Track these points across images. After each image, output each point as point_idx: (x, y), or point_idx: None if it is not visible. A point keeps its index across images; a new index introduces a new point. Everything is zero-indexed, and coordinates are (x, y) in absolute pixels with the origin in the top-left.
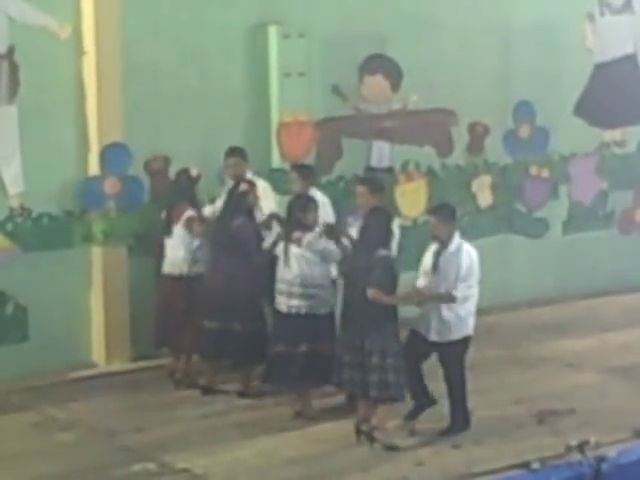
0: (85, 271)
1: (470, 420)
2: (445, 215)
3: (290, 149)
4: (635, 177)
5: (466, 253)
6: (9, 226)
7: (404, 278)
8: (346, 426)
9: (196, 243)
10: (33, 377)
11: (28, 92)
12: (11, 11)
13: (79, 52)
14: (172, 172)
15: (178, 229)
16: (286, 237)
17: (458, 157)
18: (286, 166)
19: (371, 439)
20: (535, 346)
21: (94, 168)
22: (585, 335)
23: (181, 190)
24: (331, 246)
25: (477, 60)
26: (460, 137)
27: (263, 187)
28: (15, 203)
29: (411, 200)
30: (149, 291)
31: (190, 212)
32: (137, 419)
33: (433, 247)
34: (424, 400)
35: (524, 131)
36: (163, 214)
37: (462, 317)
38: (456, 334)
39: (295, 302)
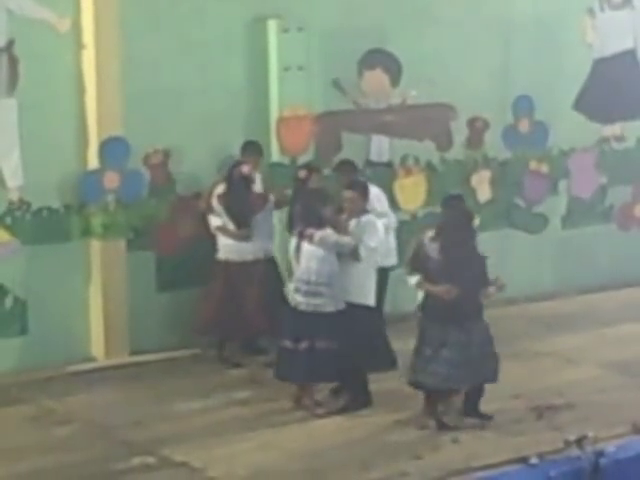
0: (84, 265)
1: None
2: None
3: (289, 143)
4: (634, 172)
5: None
6: (8, 219)
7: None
8: (346, 421)
9: None
10: (32, 370)
11: (27, 85)
12: (11, 4)
13: (78, 45)
14: (171, 166)
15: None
16: (299, 234)
17: (457, 152)
18: (285, 160)
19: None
20: (534, 341)
21: (93, 162)
22: (584, 330)
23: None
24: (343, 239)
25: (477, 55)
26: (459, 132)
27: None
28: (14, 196)
29: (410, 194)
30: (148, 285)
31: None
32: (136, 413)
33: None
34: None
35: (523, 126)
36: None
37: None
38: None
39: (300, 299)
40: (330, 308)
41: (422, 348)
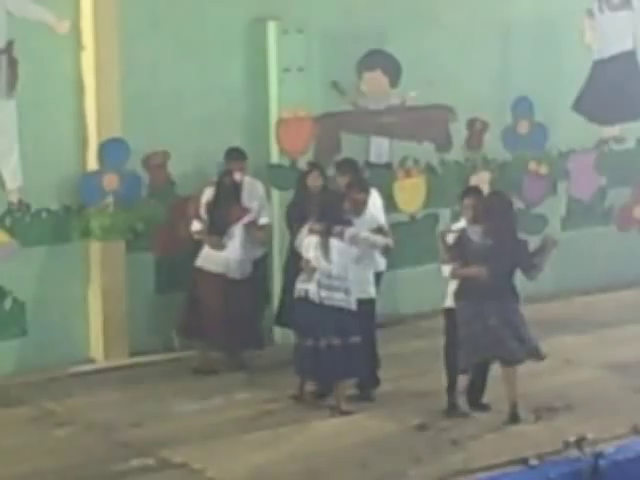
0: (83, 266)
1: None
2: (479, 195)
3: (289, 144)
4: (634, 173)
5: None
6: (7, 221)
7: (404, 274)
8: (345, 422)
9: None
10: (31, 372)
11: (27, 87)
12: (10, 6)
13: (78, 47)
14: (170, 167)
15: (238, 231)
16: (326, 231)
17: (457, 153)
18: (285, 161)
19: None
20: None
21: (93, 163)
22: (583, 331)
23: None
24: (375, 236)
25: (476, 56)
26: (459, 133)
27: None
28: (13, 198)
29: (409, 196)
30: (147, 286)
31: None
32: (135, 414)
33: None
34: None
35: (523, 127)
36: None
37: None
38: None
39: (327, 294)
40: (353, 305)
41: (468, 328)
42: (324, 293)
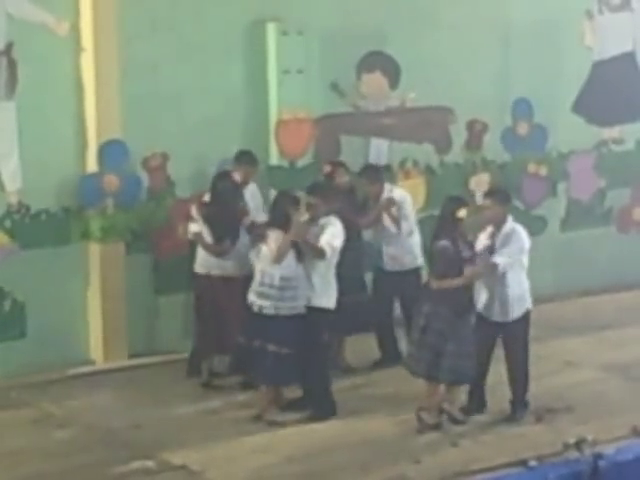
0: (83, 268)
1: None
2: (501, 198)
3: (288, 146)
4: (633, 175)
5: (518, 234)
6: (7, 222)
7: None
8: (344, 424)
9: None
10: (31, 374)
11: (26, 89)
12: (9, 7)
13: (77, 49)
14: (170, 169)
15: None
16: (257, 235)
17: (456, 154)
18: (284, 163)
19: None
20: (533, 344)
21: (92, 165)
22: (583, 333)
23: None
24: (278, 255)
25: (476, 57)
26: (458, 134)
27: None
28: (13, 200)
29: None
30: (146, 288)
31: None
32: (135, 416)
33: (487, 230)
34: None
35: (522, 129)
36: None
37: (519, 295)
38: (517, 312)
39: (260, 302)
40: (288, 311)
41: (411, 334)
42: (260, 301)
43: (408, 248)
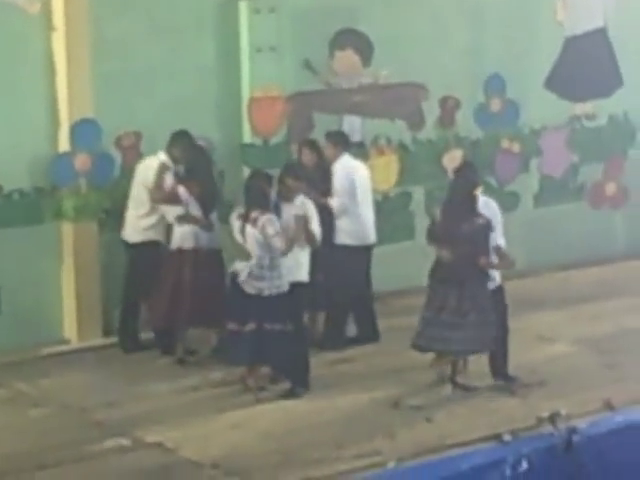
0: (56, 247)
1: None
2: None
3: (261, 124)
4: (605, 150)
5: (493, 209)
6: None
7: (378, 251)
8: (319, 400)
9: None
10: (4, 353)
11: None
12: None
13: (49, 28)
14: (143, 147)
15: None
16: (243, 216)
17: (429, 131)
18: (257, 141)
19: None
20: None
21: (65, 144)
22: (556, 307)
23: None
24: (276, 239)
25: (448, 33)
26: (431, 111)
27: None
28: None
29: (382, 174)
30: (120, 267)
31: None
32: (109, 394)
33: None
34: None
35: (495, 105)
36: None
37: None
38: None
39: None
40: (273, 291)
41: (424, 312)
42: (255, 283)
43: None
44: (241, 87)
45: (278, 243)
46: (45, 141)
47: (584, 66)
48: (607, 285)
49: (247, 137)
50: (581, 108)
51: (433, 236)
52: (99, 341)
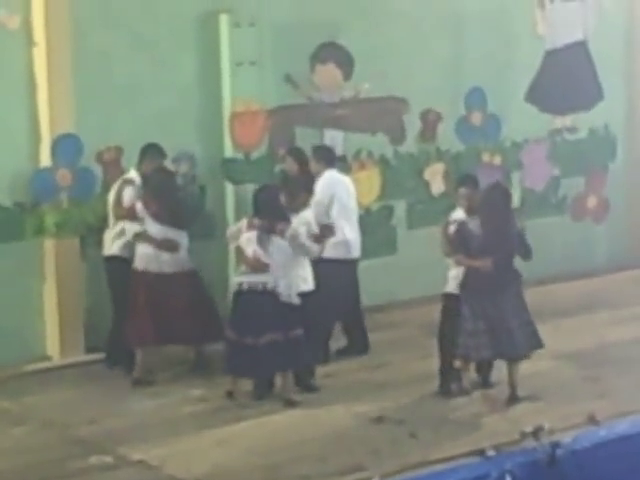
0: (38, 263)
1: None
2: (475, 185)
3: (243, 138)
4: (587, 163)
5: None
6: None
7: (360, 266)
8: (303, 416)
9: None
10: None
11: None
12: None
13: (29, 43)
14: (124, 162)
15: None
16: (267, 227)
17: (410, 145)
18: (239, 155)
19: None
20: None
21: (46, 159)
22: (538, 321)
23: None
24: (312, 245)
25: (428, 47)
26: (412, 125)
27: None
28: None
29: (364, 188)
30: (102, 283)
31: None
32: (92, 411)
33: (457, 218)
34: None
35: (476, 118)
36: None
37: None
38: None
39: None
40: (294, 298)
41: (465, 323)
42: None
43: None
44: (222, 101)
45: (314, 247)
46: (26, 156)
47: (565, 79)
48: (589, 298)
49: (229, 151)
50: (562, 121)
51: (468, 248)
52: (82, 358)
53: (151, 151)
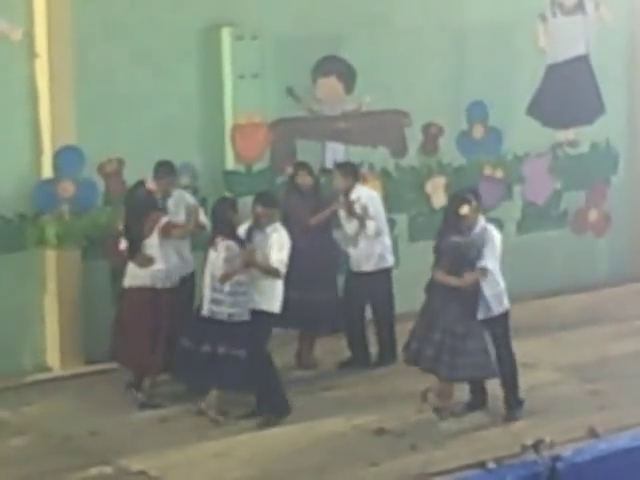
0: (39, 275)
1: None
2: (478, 200)
3: (244, 151)
4: (588, 177)
5: (489, 233)
6: None
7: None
8: (302, 428)
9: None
10: None
11: None
12: None
13: (31, 55)
14: (125, 174)
15: (153, 239)
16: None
17: (412, 158)
18: (240, 168)
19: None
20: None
21: (47, 171)
22: (539, 334)
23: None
24: (232, 266)
25: (430, 61)
26: (414, 138)
27: None
28: None
29: None
30: (103, 294)
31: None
32: (92, 422)
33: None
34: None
35: (478, 132)
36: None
37: (495, 294)
38: (496, 310)
39: (211, 307)
40: (239, 317)
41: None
42: (213, 307)
43: (375, 249)
44: (224, 114)
45: (219, 271)
46: (28, 167)
47: (566, 93)
48: (590, 312)
49: (230, 164)
50: (563, 135)
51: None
52: (82, 369)
53: (163, 170)
